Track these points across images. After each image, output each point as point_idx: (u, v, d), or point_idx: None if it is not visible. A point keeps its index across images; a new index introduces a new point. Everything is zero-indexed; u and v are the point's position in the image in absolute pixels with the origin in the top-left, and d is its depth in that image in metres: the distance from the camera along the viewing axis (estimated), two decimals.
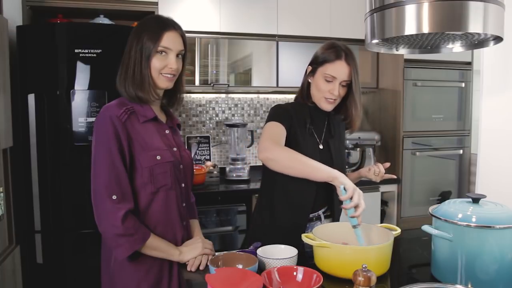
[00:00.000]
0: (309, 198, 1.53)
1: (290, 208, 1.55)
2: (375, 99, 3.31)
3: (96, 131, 1.27)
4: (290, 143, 1.50)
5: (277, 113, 1.54)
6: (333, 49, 1.51)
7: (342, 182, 1.28)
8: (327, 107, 1.55)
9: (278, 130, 1.47)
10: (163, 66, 1.30)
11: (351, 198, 1.26)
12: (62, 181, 2.24)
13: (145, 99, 1.32)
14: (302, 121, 1.58)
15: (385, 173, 1.63)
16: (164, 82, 1.33)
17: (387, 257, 1.22)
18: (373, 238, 1.34)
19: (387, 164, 1.63)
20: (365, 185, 2.73)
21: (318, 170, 1.33)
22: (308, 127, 1.58)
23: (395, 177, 1.61)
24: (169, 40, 1.30)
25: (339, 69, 1.49)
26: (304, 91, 1.61)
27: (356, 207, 1.26)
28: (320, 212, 1.60)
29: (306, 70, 1.61)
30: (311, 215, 1.57)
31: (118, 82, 1.33)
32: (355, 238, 1.30)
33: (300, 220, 1.55)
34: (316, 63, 1.55)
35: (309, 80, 1.59)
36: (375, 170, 1.61)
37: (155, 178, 1.29)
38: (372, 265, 1.07)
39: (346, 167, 1.81)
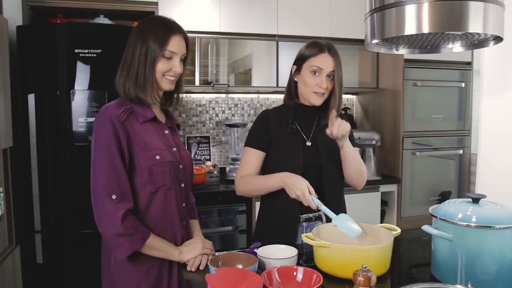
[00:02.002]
0: (295, 200, 1.46)
1: (280, 209, 1.57)
2: (375, 99, 3.31)
3: (96, 131, 1.27)
4: (272, 149, 1.60)
5: (251, 135, 1.65)
6: (315, 45, 1.57)
7: (286, 184, 1.42)
8: (317, 101, 1.56)
9: (249, 159, 1.61)
10: (167, 69, 1.31)
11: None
12: (62, 181, 2.24)
13: (145, 101, 1.32)
14: (284, 122, 1.60)
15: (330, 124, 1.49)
16: (167, 85, 1.34)
17: (387, 257, 1.22)
18: (373, 238, 1.34)
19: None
20: (365, 185, 2.73)
21: (270, 186, 1.52)
22: (291, 126, 1.59)
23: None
24: (175, 44, 1.30)
25: (324, 60, 1.53)
26: (292, 90, 1.63)
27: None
28: (321, 212, 1.58)
29: (291, 70, 1.63)
30: (310, 215, 1.57)
31: (118, 82, 1.33)
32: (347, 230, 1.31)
33: (289, 222, 1.55)
34: (300, 60, 1.58)
35: (295, 79, 1.61)
36: (334, 132, 1.45)
37: (154, 178, 1.29)
38: (372, 265, 1.07)
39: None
